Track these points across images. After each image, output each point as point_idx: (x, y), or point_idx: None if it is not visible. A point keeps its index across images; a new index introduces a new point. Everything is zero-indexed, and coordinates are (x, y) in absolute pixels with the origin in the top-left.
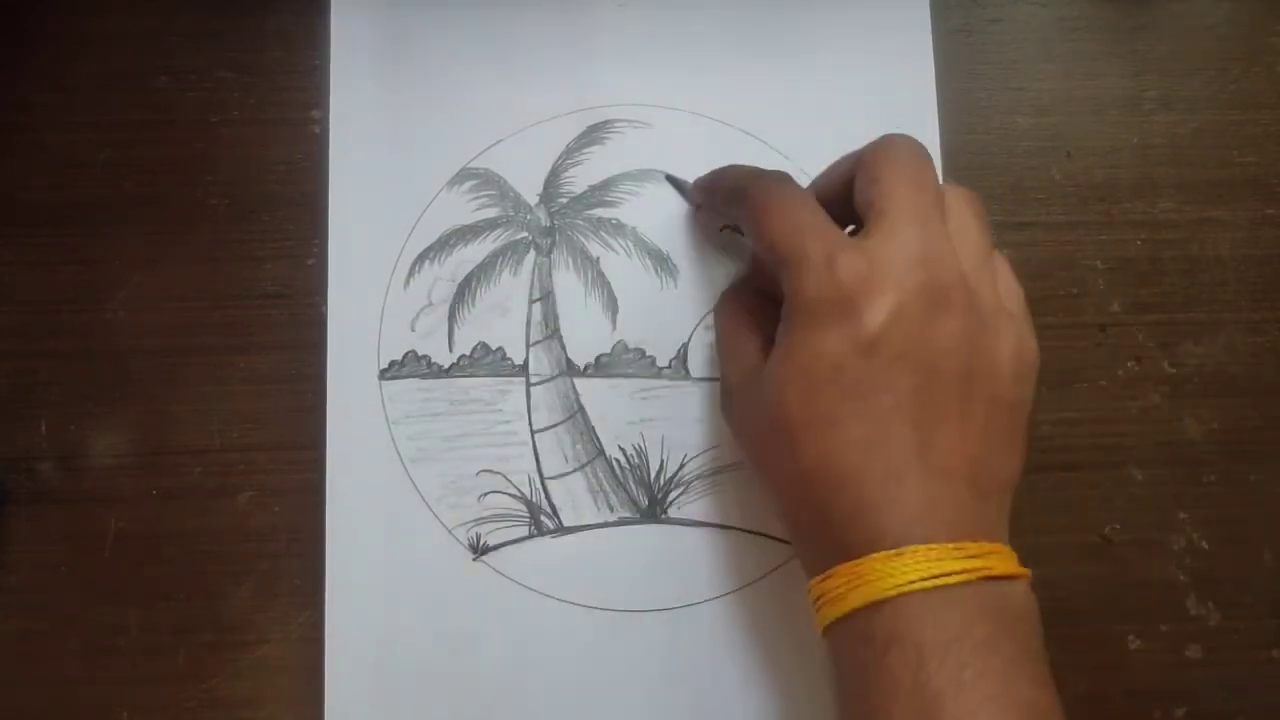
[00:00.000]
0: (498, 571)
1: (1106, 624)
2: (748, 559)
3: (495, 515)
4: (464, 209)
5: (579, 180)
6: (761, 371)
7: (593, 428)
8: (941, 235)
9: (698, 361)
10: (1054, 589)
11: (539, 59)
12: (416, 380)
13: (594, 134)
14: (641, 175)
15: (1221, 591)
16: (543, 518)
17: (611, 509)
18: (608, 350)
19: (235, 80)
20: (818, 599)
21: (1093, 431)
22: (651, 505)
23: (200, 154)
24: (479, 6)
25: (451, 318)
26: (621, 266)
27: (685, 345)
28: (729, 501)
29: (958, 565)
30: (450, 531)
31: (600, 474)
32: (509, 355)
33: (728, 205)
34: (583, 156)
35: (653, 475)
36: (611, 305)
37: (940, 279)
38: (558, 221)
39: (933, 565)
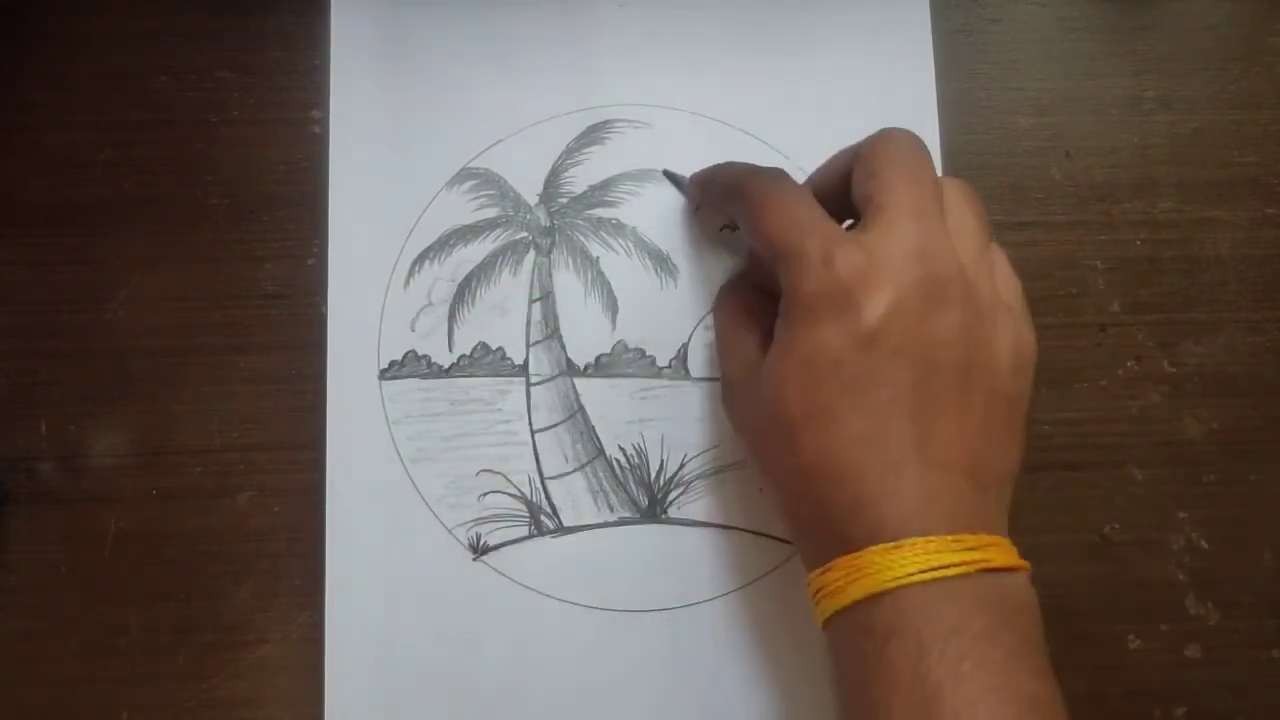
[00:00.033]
0: (498, 571)
1: (1106, 624)
2: (748, 559)
3: (495, 515)
4: (464, 209)
5: (579, 180)
6: (761, 367)
7: (593, 428)
8: (939, 229)
9: (697, 361)
10: (1054, 589)
11: (539, 59)
12: (416, 380)
13: (594, 134)
14: (641, 175)
15: (1221, 591)
16: (543, 518)
17: (611, 509)
18: (608, 350)
19: (235, 80)
20: (817, 592)
21: (1093, 431)
22: (651, 505)
23: (200, 154)
24: (479, 6)
25: (451, 318)
26: (621, 266)
27: (685, 345)
28: (729, 501)
29: (956, 557)
30: (450, 531)
31: (600, 474)
32: (509, 355)
33: (724, 201)
34: (583, 156)
35: (653, 475)
36: (611, 305)
37: (938, 273)
38: (558, 221)
39: (931, 557)
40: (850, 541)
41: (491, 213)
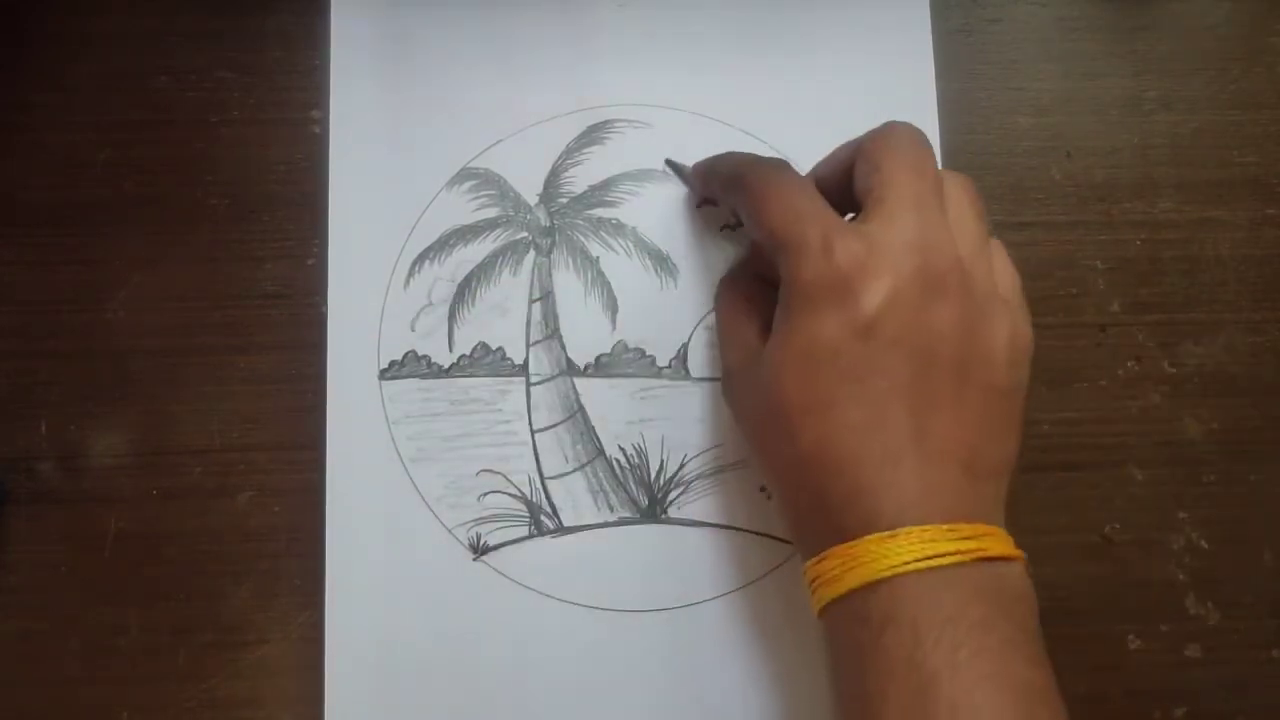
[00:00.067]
0: (498, 571)
1: (1106, 624)
2: (747, 559)
3: (495, 515)
4: (464, 209)
5: (579, 180)
6: (760, 355)
7: (593, 427)
8: (939, 222)
9: (697, 361)
10: (1054, 589)
11: (539, 59)
12: (416, 380)
13: (594, 134)
14: (641, 175)
15: (1221, 591)
16: (543, 518)
17: (611, 509)
18: (608, 350)
19: (235, 80)
20: (813, 580)
21: (1093, 431)
22: (651, 505)
23: (200, 154)
24: (479, 6)
25: (451, 318)
26: (621, 266)
27: (685, 345)
28: (729, 501)
29: (952, 546)
30: (450, 531)
31: (600, 474)
32: (509, 355)
33: (725, 191)
34: (583, 156)
35: (653, 475)
36: (611, 305)
37: (937, 264)
38: (558, 221)
39: (927, 546)
40: (846, 530)
41: (491, 213)
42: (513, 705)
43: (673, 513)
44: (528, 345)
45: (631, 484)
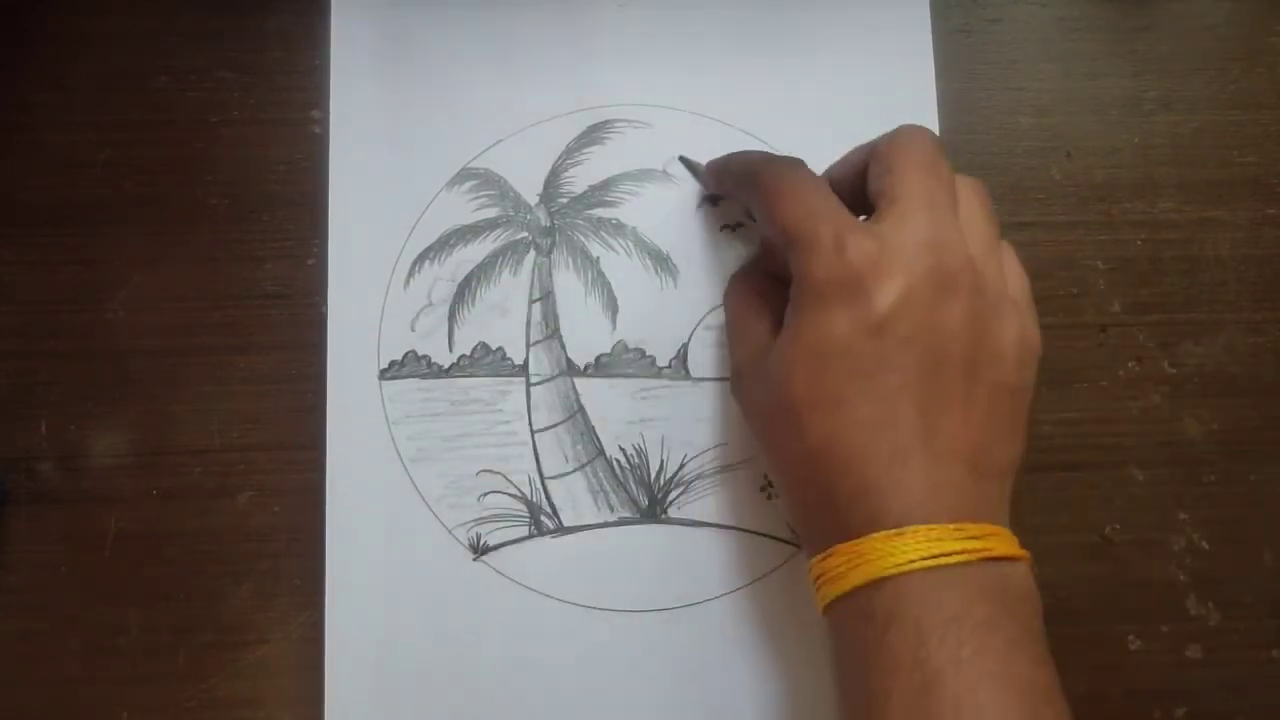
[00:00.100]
0: (498, 571)
1: (1106, 624)
2: (748, 559)
3: (495, 515)
4: (464, 209)
5: (579, 180)
6: (770, 352)
7: (593, 428)
8: (951, 222)
9: (698, 361)
10: (1054, 589)
11: (539, 59)
12: (416, 380)
13: (594, 134)
14: (642, 175)
15: (1221, 591)
16: (543, 518)
17: (611, 509)
18: (608, 350)
19: (235, 80)
20: (819, 578)
21: (1093, 431)
22: (651, 505)
23: (200, 154)
24: (479, 6)
25: (451, 318)
26: (621, 266)
27: (685, 345)
28: (729, 501)
29: (958, 545)
30: (450, 531)
31: (600, 474)
32: (509, 355)
33: (739, 188)
34: (583, 156)
35: (653, 475)
36: (611, 305)
37: (948, 264)
38: (558, 221)
39: (933, 545)
40: (852, 528)
41: (491, 213)
42: (513, 705)
43: (673, 513)
44: (528, 345)
45: (631, 484)
